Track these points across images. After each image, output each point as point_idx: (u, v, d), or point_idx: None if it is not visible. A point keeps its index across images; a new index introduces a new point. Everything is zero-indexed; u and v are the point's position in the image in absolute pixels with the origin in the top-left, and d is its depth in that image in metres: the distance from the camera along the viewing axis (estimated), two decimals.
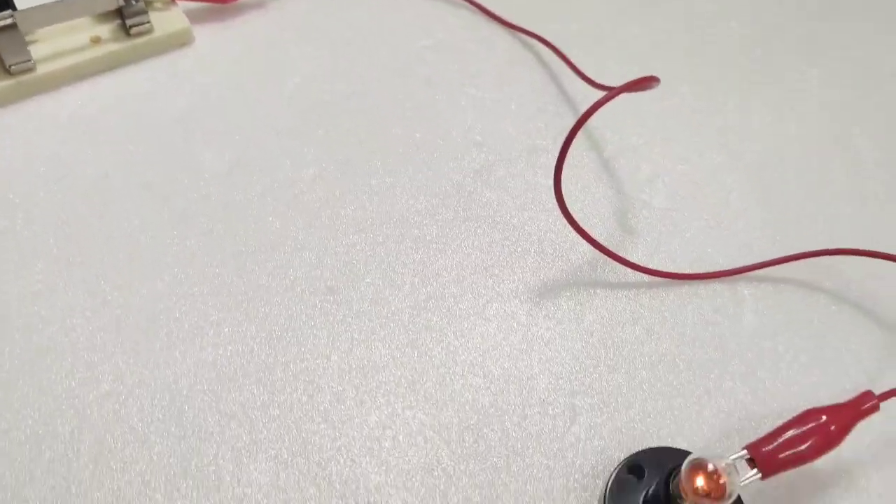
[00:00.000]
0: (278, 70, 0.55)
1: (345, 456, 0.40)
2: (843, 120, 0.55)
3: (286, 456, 0.39)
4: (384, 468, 0.39)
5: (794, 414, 0.38)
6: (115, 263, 0.45)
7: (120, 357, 0.42)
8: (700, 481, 0.33)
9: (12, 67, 0.51)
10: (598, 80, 0.52)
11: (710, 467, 0.33)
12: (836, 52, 0.59)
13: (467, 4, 0.60)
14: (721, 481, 0.33)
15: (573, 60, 0.55)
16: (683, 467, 0.34)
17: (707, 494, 0.33)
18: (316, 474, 0.39)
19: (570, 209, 0.43)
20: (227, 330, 0.43)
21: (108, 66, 0.54)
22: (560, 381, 0.42)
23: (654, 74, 0.42)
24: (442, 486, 0.39)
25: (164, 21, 0.55)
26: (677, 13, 0.61)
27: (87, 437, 0.39)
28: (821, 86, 0.57)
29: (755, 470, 0.36)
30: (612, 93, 0.41)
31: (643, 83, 0.42)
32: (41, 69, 0.52)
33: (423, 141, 0.51)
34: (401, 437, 0.40)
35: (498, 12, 0.59)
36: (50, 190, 0.48)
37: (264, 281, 0.45)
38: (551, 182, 0.42)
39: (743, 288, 0.46)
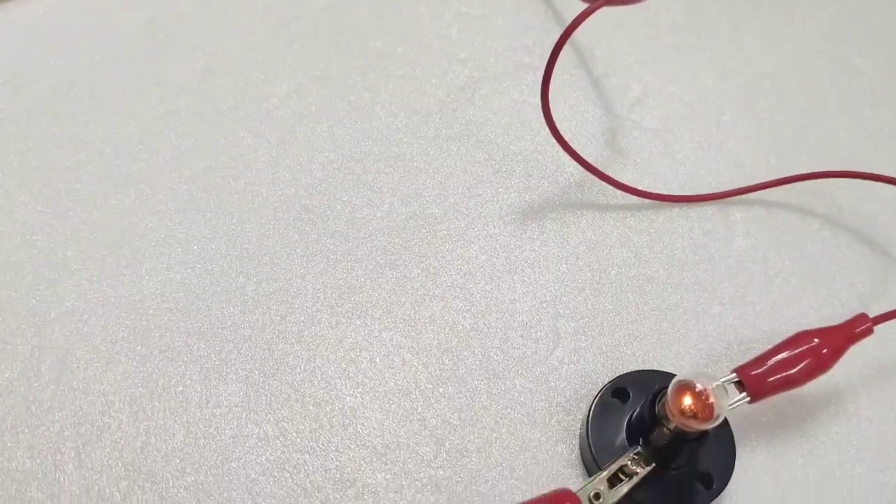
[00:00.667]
0: None
1: (319, 378, 0.38)
2: (840, 41, 0.52)
3: (258, 377, 0.38)
4: (360, 390, 0.38)
5: (784, 338, 0.36)
6: (79, 178, 0.43)
7: (83, 274, 0.40)
8: (688, 401, 0.32)
9: None
10: None
11: (699, 387, 0.32)
12: None
13: None
14: (709, 401, 0.32)
15: None
16: (670, 387, 0.32)
17: (694, 415, 0.32)
18: (289, 396, 0.37)
19: (557, 128, 0.41)
20: (195, 248, 0.41)
21: None
22: (544, 305, 0.41)
23: None
24: (419, 409, 0.38)
25: None
26: None
27: (48, 357, 0.38)
28: (818, 6, 0.54)
29: (744, 393, 0.35)
30: (597, 3, 0.39)
31: None
32: None
33: (404, 56, 0.49)
34: (378, 360, 0.39)
35: None
36: (11, 101, 0.45)
37: (235, 198, 0.43)
38: (538, 100, 0.40)
39: (734, 211, 0.45)
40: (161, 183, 0.43)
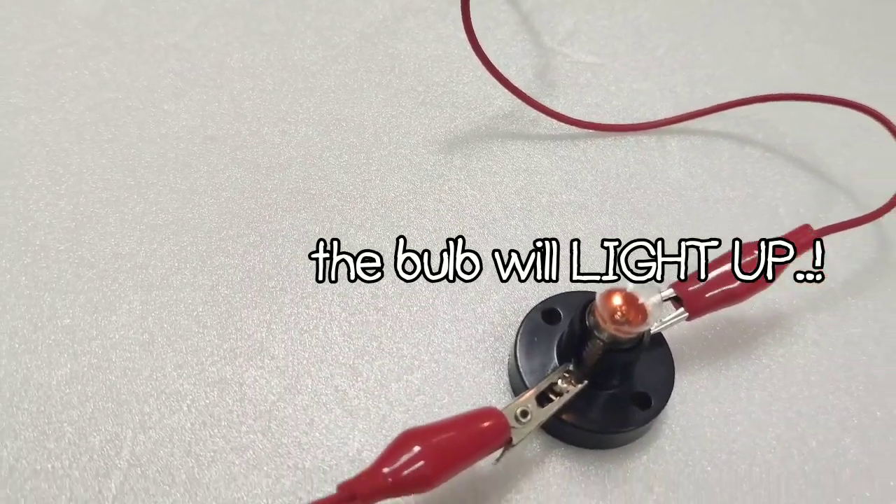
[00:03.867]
0: None
1: (224, 308, 0.35)
2: None
3: (154, 308, 0.34)
4: (268, 318, 0.35)
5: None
6: None
7: None
8: (617, 301, 0.29)
9: None
10: None
11: (629, 288, 0.29)
12: None
13: None
14: (639, 302, 0.29)
15: None
16: (599, 292, 0.30)
17: (626, 319, 0.29)
18: (189, 327, 0.34)
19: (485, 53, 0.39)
20: (89, 177, 0.38)
21: None
22: (470, 231, 0.38)
23: None
24: (334, 337, 0.34)
25: None
26: None
27: None
28: None
29: (681, 309, 0.32)
30: None
31: None
32: None
33: None
34: (289, 288, 0.36)
35: None
36: None
37: (134, 129, 0.40)
38: (463, 33, 0.38)
39: (670, 140, 0.43)
40: (56, 114, 0.40)
